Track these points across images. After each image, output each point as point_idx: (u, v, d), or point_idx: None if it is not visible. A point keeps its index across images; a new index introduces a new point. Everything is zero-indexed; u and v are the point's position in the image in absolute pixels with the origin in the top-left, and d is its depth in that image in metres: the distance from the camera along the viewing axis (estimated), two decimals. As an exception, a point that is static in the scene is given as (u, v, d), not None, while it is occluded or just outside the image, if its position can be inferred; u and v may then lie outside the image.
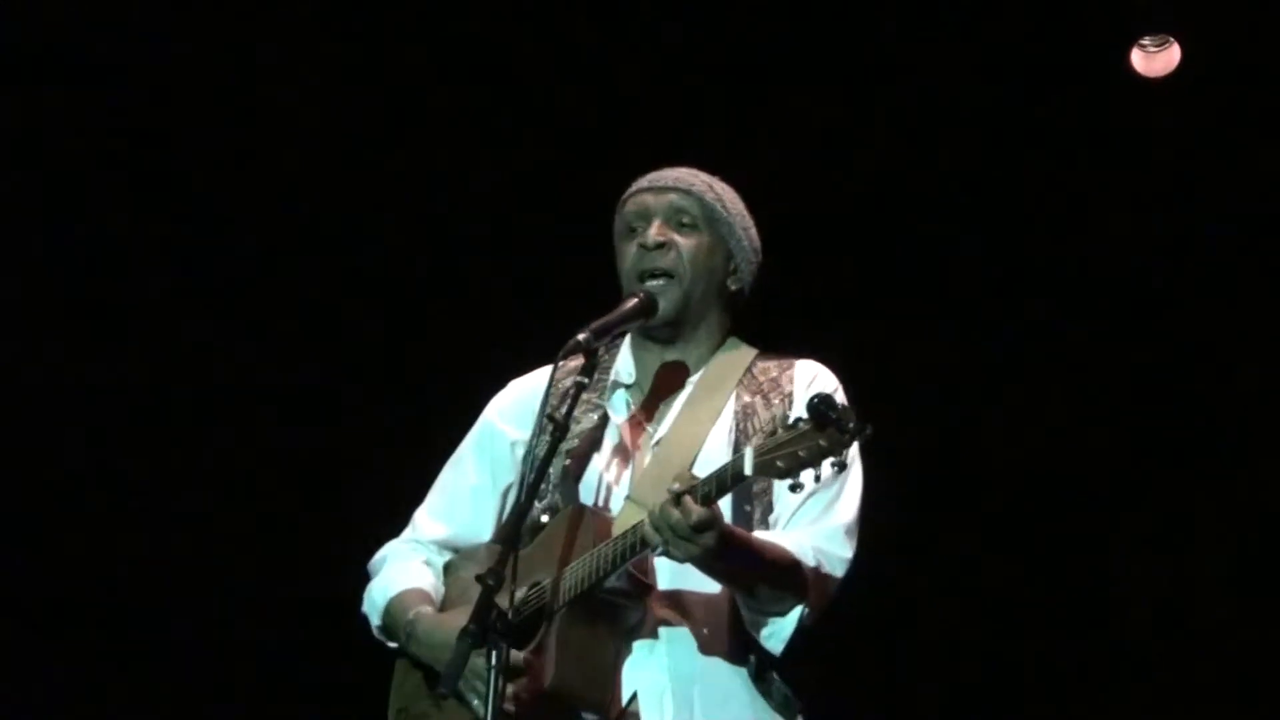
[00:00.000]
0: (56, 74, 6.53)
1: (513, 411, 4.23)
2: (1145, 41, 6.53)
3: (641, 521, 3.76)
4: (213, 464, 6.72)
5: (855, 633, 5.82)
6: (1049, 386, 6.62)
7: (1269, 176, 6.44)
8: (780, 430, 3.62)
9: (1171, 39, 6.51)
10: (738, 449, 3.97)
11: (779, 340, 4.25)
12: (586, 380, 4.00)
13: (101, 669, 6.66)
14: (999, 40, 6.51)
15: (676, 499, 3.68)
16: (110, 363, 6.67)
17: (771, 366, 4.16)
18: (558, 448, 3.97)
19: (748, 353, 4.19)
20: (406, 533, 4.33)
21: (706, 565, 3.80)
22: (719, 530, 3.69)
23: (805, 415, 3.57)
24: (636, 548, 3.79)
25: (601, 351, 4.14)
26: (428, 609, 4.09)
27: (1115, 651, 6.55)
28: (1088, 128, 6.53)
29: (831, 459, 3.57)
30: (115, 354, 6.68)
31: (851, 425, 3.54)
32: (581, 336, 3.96)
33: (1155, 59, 6.54)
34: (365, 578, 4.30)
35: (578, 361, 4.01)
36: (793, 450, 3.59)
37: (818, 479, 3.62)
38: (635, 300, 4.09)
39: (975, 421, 6.59)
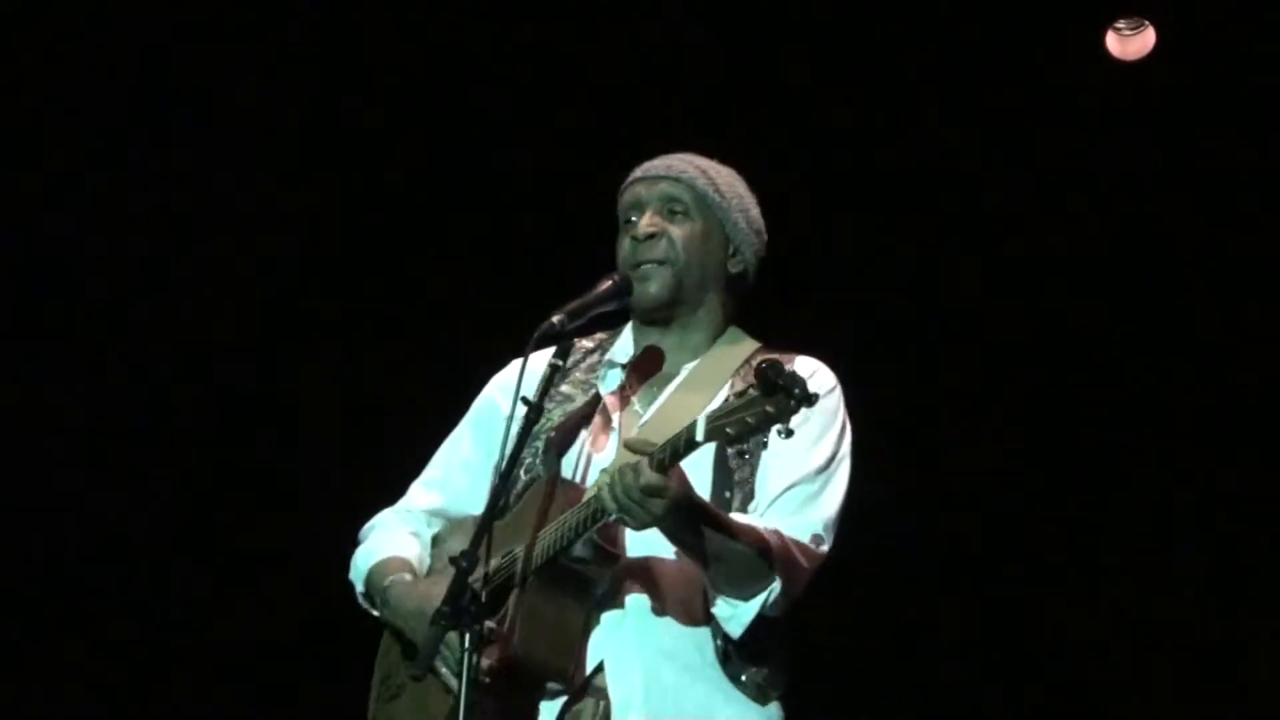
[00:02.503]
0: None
1: (513, 388, 4.10)
2: (1120, 24, 6.54)
3: (599, 486, 3.76)
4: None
5: (840, 622, 5.85)
6: (1035, 380, 6.65)
7: (1244, 159, 6.45)
8: (732, 398, 3.64)
9: (1146, 22, 6.52)
10: None
11: (781, 335, 4.22)
12: (561, 363, 3.99)
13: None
14: (973, 23, 6.51)
15: (633, 465, 3.69)
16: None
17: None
18: (533, 430, 3.97)
19: (749, 345, 4.16)
20: (400, 502, 4.32)
21: (669, 535, 3.80)
22: (670, 499, 3.69)
23: (754, 381, 3.60)
24: (598, 515, 3.78)
25: (604, 336, 4.19)
26: (405, 576, 4.09)
27: (1102, 649, 6.60)
28: (1062, 111, 6.54)
29: (778, 425, 3.59)
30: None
31: (797, 392, 3.55)
32: (555, 319, 3.94)
33: (1130, 42, 6.55)
34: (355, 545, 4.29)
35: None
36: (741, 416, 3.60)
37: (764, 445, 3.65)
38: (609, 282, 4.07)
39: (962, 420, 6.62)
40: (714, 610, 3.91)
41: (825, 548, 3.97)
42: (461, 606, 3.65)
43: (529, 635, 3.86)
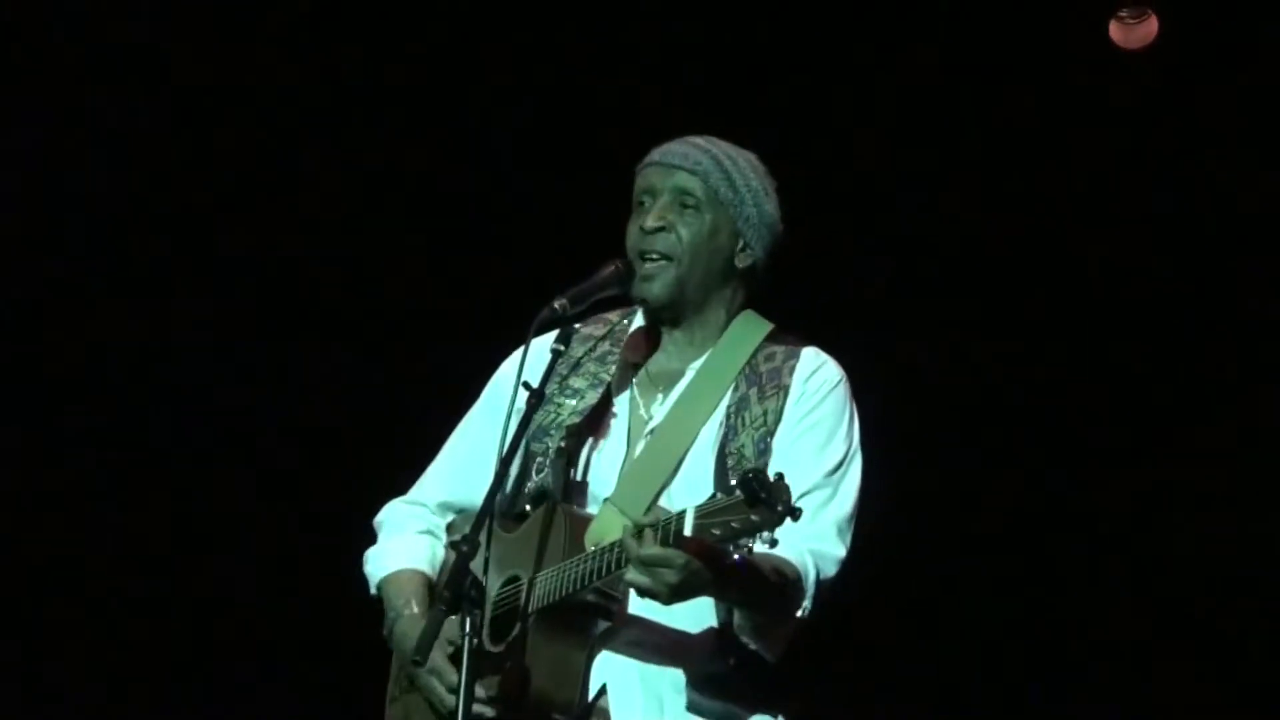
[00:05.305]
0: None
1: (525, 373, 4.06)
2: (1123, 13, 6.53)
3: (613, 546, 3.72)
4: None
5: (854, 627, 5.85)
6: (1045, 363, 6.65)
7: (1246, 149, 6.44)
8: (720, 495, 3.60)
9: (1149, 10, 6.51)
10: (724, 446, 3.95)
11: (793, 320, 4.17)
12: (563, 348, 3.97)
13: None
14: (977, 11, 6.50)
15: (639, 532, 3.65)
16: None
17: (778, 352, 4.07)
18: (537, 418, 3.98)
19: (759, 332, 4.11)
20: (413, 490, 4.27)
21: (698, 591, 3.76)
22: (682, 567, 3.65)
23: (738, 486, 3.55)
24: (609, 569, 3.74)
25: (615, 319, 4.16)
26: (411, 610, 4.03)
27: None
28: (1065, 100, 6.53)
29: (763, 533, 3.56)
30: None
31: (780, 508, 3.52)
32: (556, 304, 3.93)
33: (1133, 31, 6.54)
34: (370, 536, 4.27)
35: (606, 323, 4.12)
36: (727, 520, 3.57)
37: (750, 551, 3.60)
38: (612, 268, 4.04)
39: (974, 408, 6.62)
40: (744, 637, 3.90)
41: (844, 550, 3.96)
42: (462, 592, 3.64)
43: (533, 669, 3.84)
